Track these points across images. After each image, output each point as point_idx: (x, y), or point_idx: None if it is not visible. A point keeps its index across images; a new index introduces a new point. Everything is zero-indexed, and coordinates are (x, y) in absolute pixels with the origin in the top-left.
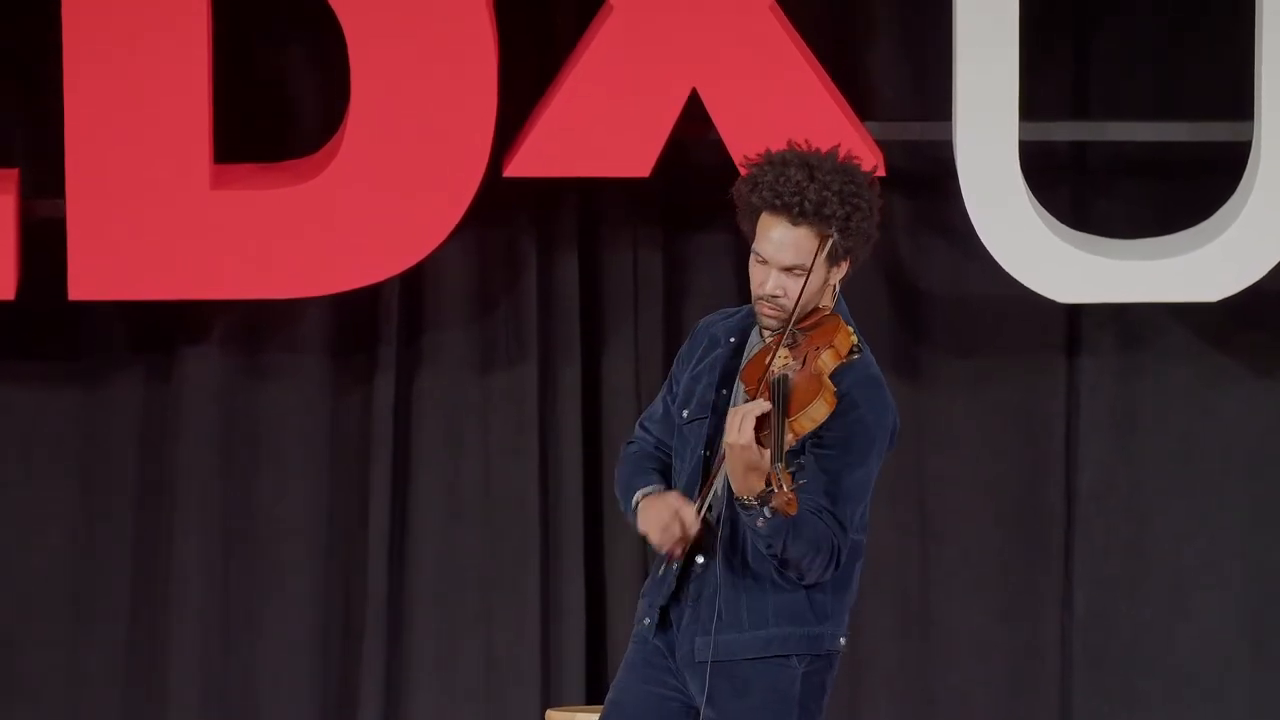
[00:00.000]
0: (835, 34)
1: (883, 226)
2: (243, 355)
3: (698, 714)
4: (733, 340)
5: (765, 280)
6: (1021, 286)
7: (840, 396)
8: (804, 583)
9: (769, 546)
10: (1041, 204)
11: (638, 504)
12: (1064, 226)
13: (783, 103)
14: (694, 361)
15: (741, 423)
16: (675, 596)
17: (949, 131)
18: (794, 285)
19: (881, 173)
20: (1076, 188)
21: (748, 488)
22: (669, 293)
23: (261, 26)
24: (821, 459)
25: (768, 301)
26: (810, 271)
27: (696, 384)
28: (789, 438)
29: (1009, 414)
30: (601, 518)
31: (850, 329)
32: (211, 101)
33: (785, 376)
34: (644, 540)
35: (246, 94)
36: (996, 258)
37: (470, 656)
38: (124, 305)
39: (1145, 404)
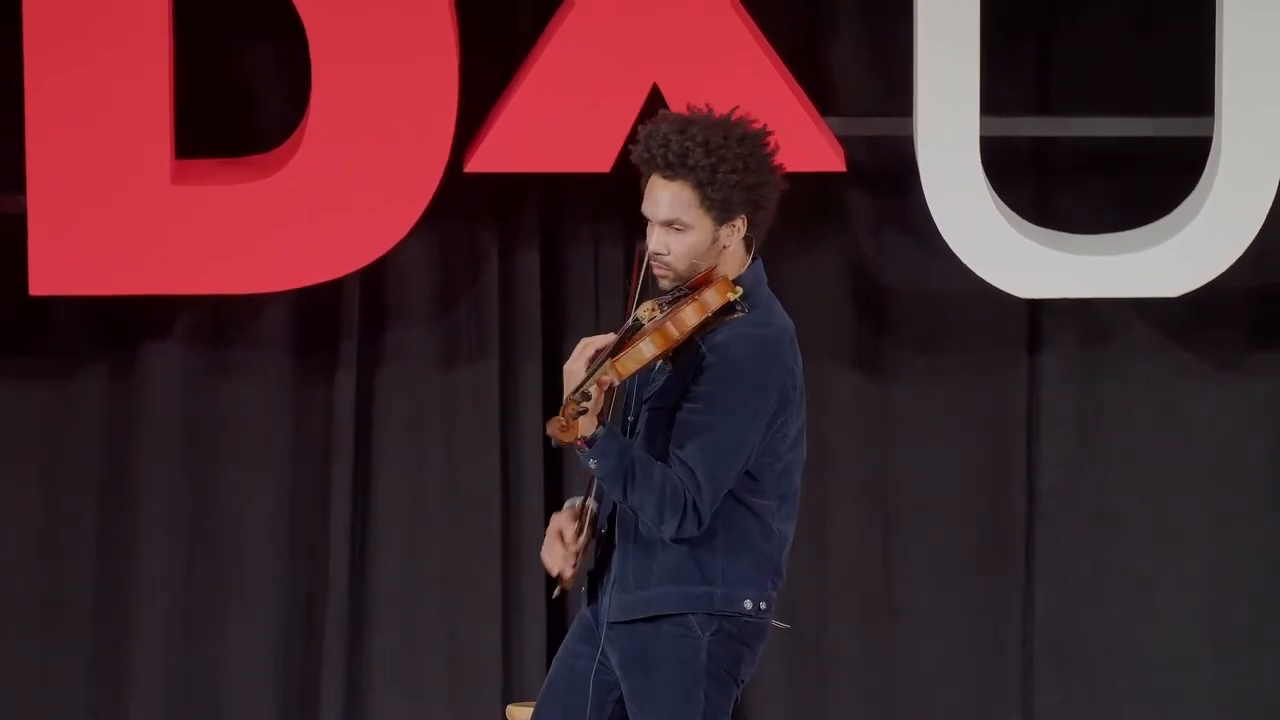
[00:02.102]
0: (797, 29)
1: (843, 221)
2: (205, 351)
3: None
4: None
5: (649, 237)
6: (983, 282)
7: (712, 350)
8: (664, 535)
9: (610, 490)
10: (1003, 200)
11: None
12: (1025, 222)
13: (744, 98)
14: None
15: (580, 352)
16: (600, 568)
17: (910, 127)
18: (677, 241)
19: (840, 167)
20: (1038, 183)
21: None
22: None
23: (223, 22)
24: (685, 410)
25: (654, 259)
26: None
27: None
28: (607, 377)
29: (971, 410)
30: None
31: (730, 286)
32: (173, 96)
33: (637, 320)
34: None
35: (209, 90)
36: (958, 253)
37: (432, 653)
38: (86, 301)
39: (1108, 400)
